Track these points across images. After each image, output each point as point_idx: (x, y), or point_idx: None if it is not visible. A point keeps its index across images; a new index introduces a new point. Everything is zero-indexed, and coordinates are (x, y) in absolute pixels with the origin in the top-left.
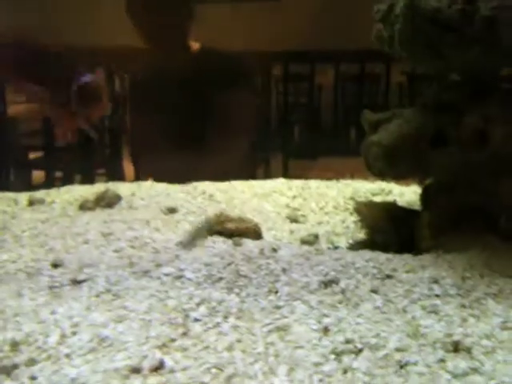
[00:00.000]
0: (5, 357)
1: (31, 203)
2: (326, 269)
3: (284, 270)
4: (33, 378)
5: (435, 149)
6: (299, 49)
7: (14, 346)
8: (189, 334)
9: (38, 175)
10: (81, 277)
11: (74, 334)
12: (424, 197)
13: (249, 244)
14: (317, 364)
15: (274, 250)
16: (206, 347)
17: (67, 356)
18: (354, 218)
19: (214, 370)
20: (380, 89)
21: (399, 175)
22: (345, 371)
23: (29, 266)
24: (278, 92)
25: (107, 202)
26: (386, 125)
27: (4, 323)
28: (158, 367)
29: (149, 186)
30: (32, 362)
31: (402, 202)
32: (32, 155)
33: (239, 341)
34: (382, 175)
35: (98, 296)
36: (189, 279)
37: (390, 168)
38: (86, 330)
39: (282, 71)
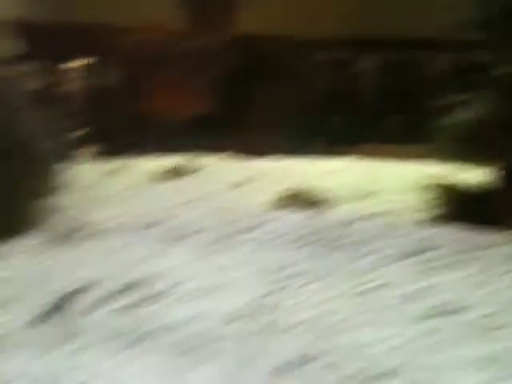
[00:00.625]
0: (135, 291)
1: (111, 172)
2: (407, 241)
3: (366, 240)
4: (150, 314)
5: (508, 133)
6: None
7: (142, 282)
8: (280, 290)
9: None
10: (183, 233)
11: (180, 282)
12: (506, 176)
13: (332, 215)
14: (402, 324)
15: (354, 222)
16: (299, 302)
17: (177, 300)
18: (426, 196)
19: (306, 324)
20: None
21: (471, 158)
22: (428, 333)
23: (128, 222)
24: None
25: (181, 173)
26: (461, 108)
27: (124, 267)
28: (258, 314)
29: (217, 160)
30: (158, 296)
31: (472, 182)
32: None
33: (328, 299)
34: (453, 157)
35: (199, 250)
36: (278, 243)
37: (463, 150)
38: (190, 279)
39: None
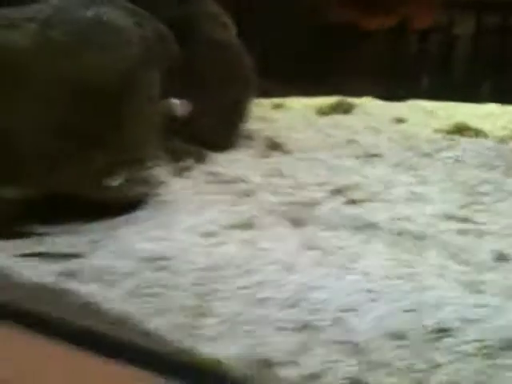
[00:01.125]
0: (349, 194)
1: (274, 107)
2: None
3: None
4: (373, 209)
5: None
6: None
7: (353, 188)
8: (480, 202)
9: None
10: (372, 152)
11: (391, 187)
12: None
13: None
14: None
15: None
16: (497, 214)
17: (391, 201)
18: None
19: (510, 229)
20: None
21: None
22: None
23: (323, 141)
24: None
25: (344, 108)
26: None
27: (336, 174)
28: (466, 219)
29: (369, 100)
30: (369, 199)
31: None
32: None
33: None
34: None
35: (395, 166)
36: (467, 164)
37: None
38: (398, 186)
39: None
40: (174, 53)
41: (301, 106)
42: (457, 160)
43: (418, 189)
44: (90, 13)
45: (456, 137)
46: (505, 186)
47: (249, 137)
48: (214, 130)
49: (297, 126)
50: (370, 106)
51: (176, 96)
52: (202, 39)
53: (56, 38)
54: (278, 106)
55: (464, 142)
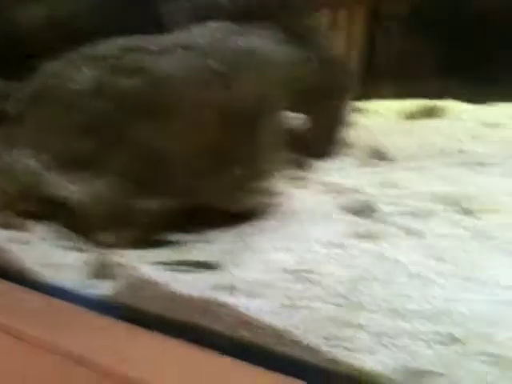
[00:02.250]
0: (465, 204)
1: (358, 111)
2: None
3: None
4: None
5: None
6: None
7: (468, 198)
8: None
9: None
10: (483, 160)
11: (507, 197)
12: None
13: None
14: None
15: None
16: None
17: (509, 212)
18: None
19: None
20: None
21: None
22: None
23: (426, 149)
24: None
25: (436, 113)
26: None
27: (452, 184)
28: None
29: (454, 105)
30: (484, 210)
31: None
32: None
33: None
34: None
35: (505, 174)
36: None
37: None
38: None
39: None
40: (309, 75)
41: (384, 109)
42: None
43: None
44: (242, 42)
45: None
46: None
47: (348, 144)
48: (318, 139)
49: (392, 133)
50: (459, 110)
51: (297, 108)
52: (317, 53)
53: (212, 66)
54: (360, 111)
55: None
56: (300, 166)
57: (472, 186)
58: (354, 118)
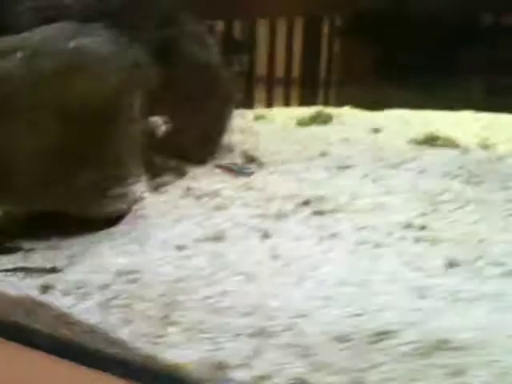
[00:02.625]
0: (315, 205)
1: (256, 118)
2: None
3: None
4: (337, 220)
5: None
6: None
7: (319, 199)
8: (440, 211)
9: None
10: (344, 164)
11: (356, 198)
12: None
13: (476, 152)
14: None
15: (500, 159)
16: (454, 221)
17: (356, 211)
18: None
19: (465, 235)
20: None
21: None
22: None
23: (299, 153)
24: None
25: (322, 119)
26: None
27: (308, 186)
28: (424, 227)
29: (349, 110)
30: (334, 211)
31: None
32: None
33: (481, 219)
34: None
35: (362, 178)
36: (431, 174)
37: None
38: (364, 197)
39: None
40: (152, 77)
41: (282, 117)
42: (421, 171)
43: (383, 199)
44: (73, 43)
45: (424, 147)
46: (464, 194)
47: (229, 149)
48: (194, 145)
49: (275, 139)
50: (348, 117)
51: (161, 113)
52: (184, 59)
53: (42, 66)
54: (260, 118)
55: (430, 153)
56: (174, 171)
57: (329, 188)
58: (247, 123)
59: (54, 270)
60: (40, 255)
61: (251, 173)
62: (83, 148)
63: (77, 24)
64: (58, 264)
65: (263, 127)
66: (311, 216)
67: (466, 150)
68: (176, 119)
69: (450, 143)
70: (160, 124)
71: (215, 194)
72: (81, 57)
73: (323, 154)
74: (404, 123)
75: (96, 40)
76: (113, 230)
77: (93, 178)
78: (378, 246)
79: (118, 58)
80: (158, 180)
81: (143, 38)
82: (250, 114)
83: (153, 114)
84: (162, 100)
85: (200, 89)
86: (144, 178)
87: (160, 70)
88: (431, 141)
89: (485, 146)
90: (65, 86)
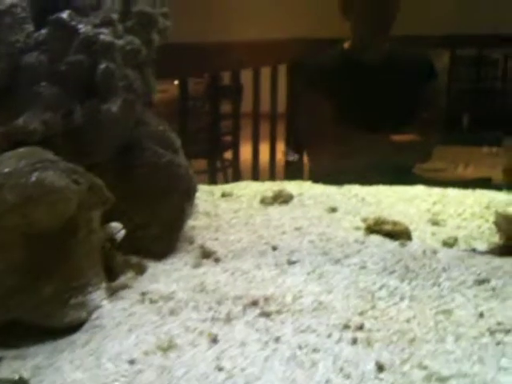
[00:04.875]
0: (263, 306)
1: (223, 195)
2: (478, 270)
3: (444, 269)
4: (282, 322)
5: None
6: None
7: (267, 299)
8: (376, 308)
9: None
10: (293, 258)
11: (301, 297)
12: None
13: (412, 246)
14: (476, 337)
15: (434, 252)
16: (390, 318)
17: (300, 311)
18: (490, 225)
19: (398, 334)
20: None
21: None
22: (497, 344)
23: (252, 246)
24: None
25: (283, 199)
26: None
27: (256, 285)
28: (361, 327)
29: (309, 187)
30: (279, 311)
31: None
32: None
33: (414, 317)
34: None
35: (308, 274)
36: (371, 269)
37: None
38: (308, 295)
39: None
40: (108, 197)
41: (248, 193)
42: (362, 266)
43: (325, 297)
44: (33, 177)
45: (370, 236)
46: (400, 290)
47: (190, 241)
48: (154, 240)
49: (235, 224)
50: (307, 196)
51: (122, 210)
52: (145, 159)
53: (6, 198)
54: (227, 195)
55: (373, 242)
56: (135, 268)
57: (276, 286)
58: (215, 202)
59: (21, 382)
60: (8, 365)
61: None
62: (46, 262)
63: (39, 155)
64: (25, 375)
65: (229, 207)
66: (258, 318)
67: (404, 243)
68: (137, 216)
69: (397, 227)
70: (120, 229)
71: (169, 297)
72: (41, 189)
73: (274, 248)
74: (359, 200)
75: (55, 172)
76: (74, 338)
77: (55, 289)
78: (315, 350)
79: (75, 185)
80: (118, 282)
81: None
82: (218, 190)
83: (115, 211)
84: (124, 198)
85: (160, 186)
86: (103, 284)
87: (119, 180)
88: (380, 225)
89: (435, 223)
90: (27, 214)
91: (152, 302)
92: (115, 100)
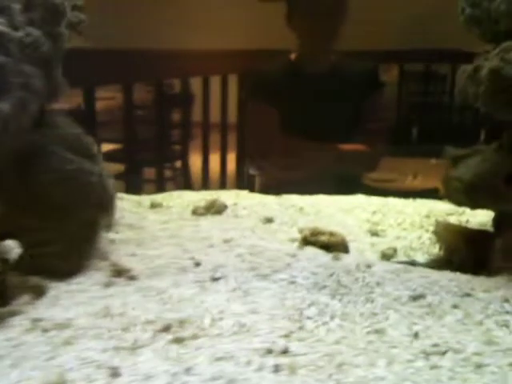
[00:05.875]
0: (176, 331)
1: (153, 206)
2: (414, 285)
3: (378, 284)
4: (197, 348)
5: (509, 186)
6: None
7: (182, 323)
8: (304, 328)
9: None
10: (217, 275)
11: (221, 319)
12: (497, 224)
13: (347, 259)
14: (409, 361)
15: (368, 266)
16: (319, 340)
17: (218, 335)
18: (430, 235)
19: (326, 358)
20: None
21: (476, 207)
22: (432, 367)
23: (173, 262)
24: None
25: (216, 209)
26: (465, 161)
27: (171, 306)
28: (285, 351)
29: (246, 197)
30: (195, 336)
31: (474, 222)
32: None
33: (344, 337)
34: (461, 205)
35: (232, 292)
36: (300, 285)
37: (469, 201)
38: (229, 317)
39: None
40: None
41: (180, 203)
42: (292, 281)
43: (248, 318)
44: None
45: (303, 248)
46: (329, 307)
47: (102, 257)
48: (60, 258)
49: (160, 237)
50: (242, 206)
51: (23, 225)
52: (51, 167)
53: None
54: (156, 205)
55: (306, 255)
56: (33, 290)
57: (195, 307)
58: (142, 213)
59: None
60: None
61: None
62: None
63: None
64: None
65: (157, 218)
66: (169, 345)
67: (337, 257)
68: (39, 231)
69: (333, 238)
70: (13, 247)
71: (66, 324)
72: None
73: (197, 264)
74: (297, 210)
75: None
76: None
77: None
78: (232, 381)
79: None
80: (8, 308)
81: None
82: (147, 200)
83: (14, 226)
84: (23, 211)
85: (67, 196)
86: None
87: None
88: (316, 236)
89: (374, 233)
90: None
91: (44, 330)
92: (7, 98)
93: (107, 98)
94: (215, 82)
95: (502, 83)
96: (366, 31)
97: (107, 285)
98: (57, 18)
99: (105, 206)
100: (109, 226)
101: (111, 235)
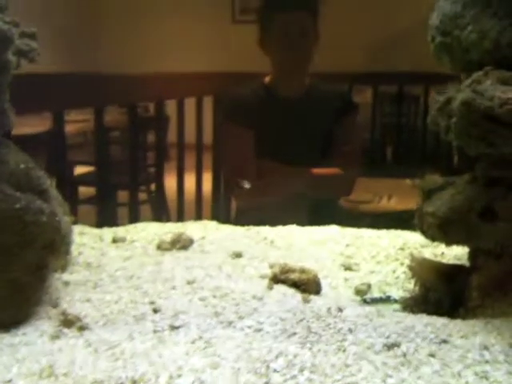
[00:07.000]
0: None
1: (115, 240)
2: (388, 331)
3: (350, 330)
4: None
5: (484, 221)
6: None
7: (134, 383)
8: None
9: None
10: (177, 323)
11: (179, 376)
12: (472, 261)
13: (317, 301)
14: None
15: (340, 310)
16: None
17: None
18: (404, 268)
19: None
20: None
21: (451, 243)
22: None
23: (131, 307)
24: None
25: (182, 244)
26: (439, 193)
27: (124, 363)
28: None
29: (214, 229)
30: None
31: (450, 254)
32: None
33: None
34: (435, 241)
35: (193, 342)
36: (267, 332)
37: (443, 236)
38: (188, 373)
39: None
40: None
41: (145, 237)
42: (258, 329)
43: (209, 374)
44: None
45: (268, 292)
46: (298, 358)
47: (51, 303)
48: (1, 305)
49: (119, 278)
50: (210, 239)
51: None
52: None
53: None
54: (118, 240)
55: (273, 298)
56: None
57: (150, 362)
58: (103, 249)
59: None
60: None
61: None
62: None
63: None
64: None
65: (118, 255)
66: None
67: (307, 299)
68: None
69: (305, 275)
70: None
71: None
72: None
73: (156, 310)
74: (268, 244)
75: None
76: None
77: None
78: None
79: None
80: None
81: None
82: (109, 234)
83: None
84: None
85: (12, 239)
86: None
87: None
88: (286, 273)
89: (348, 267)
90: None
91: None
92: None
93: (81, 120)
94: (190, 104)
95: (473, 115)
96: (340, 55)
97: (55, 337)
98: (3, 45)
99: (56, 247)
100: (63, 267)
101: (65, 276)
